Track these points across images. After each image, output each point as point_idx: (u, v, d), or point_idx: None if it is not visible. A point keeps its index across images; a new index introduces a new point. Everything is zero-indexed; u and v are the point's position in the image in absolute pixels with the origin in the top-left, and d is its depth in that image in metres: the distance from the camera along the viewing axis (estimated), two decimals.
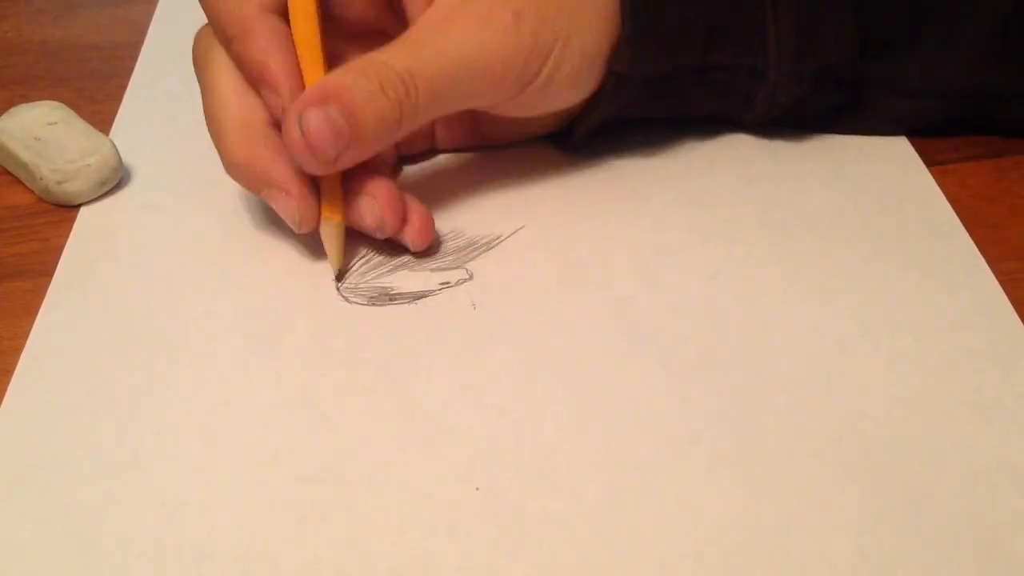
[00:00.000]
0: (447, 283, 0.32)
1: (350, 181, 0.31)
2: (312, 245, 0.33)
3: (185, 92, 0.41)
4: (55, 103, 0.38)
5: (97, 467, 0.27)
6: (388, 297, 0.31)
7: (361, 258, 0.33)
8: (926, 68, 0.35)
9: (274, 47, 0.30)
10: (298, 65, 0.30)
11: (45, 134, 0.36)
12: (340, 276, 0.32)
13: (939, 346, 0.29)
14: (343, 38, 0.33)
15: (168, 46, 0.44)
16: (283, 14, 0.31)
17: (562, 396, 0.28)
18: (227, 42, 0.31)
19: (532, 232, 0.34)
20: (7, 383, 0.29)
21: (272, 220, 0.35)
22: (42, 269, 0.33)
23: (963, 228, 0.34)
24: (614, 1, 0.32)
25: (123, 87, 0.42)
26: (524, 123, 0.35)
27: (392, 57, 0.30)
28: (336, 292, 0.32)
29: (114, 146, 0.36)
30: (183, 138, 0.39)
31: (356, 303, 0.31)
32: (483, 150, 0.37)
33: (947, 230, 0.33)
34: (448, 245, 0.33)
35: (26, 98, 0.42)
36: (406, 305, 0.31)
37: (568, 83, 0.32)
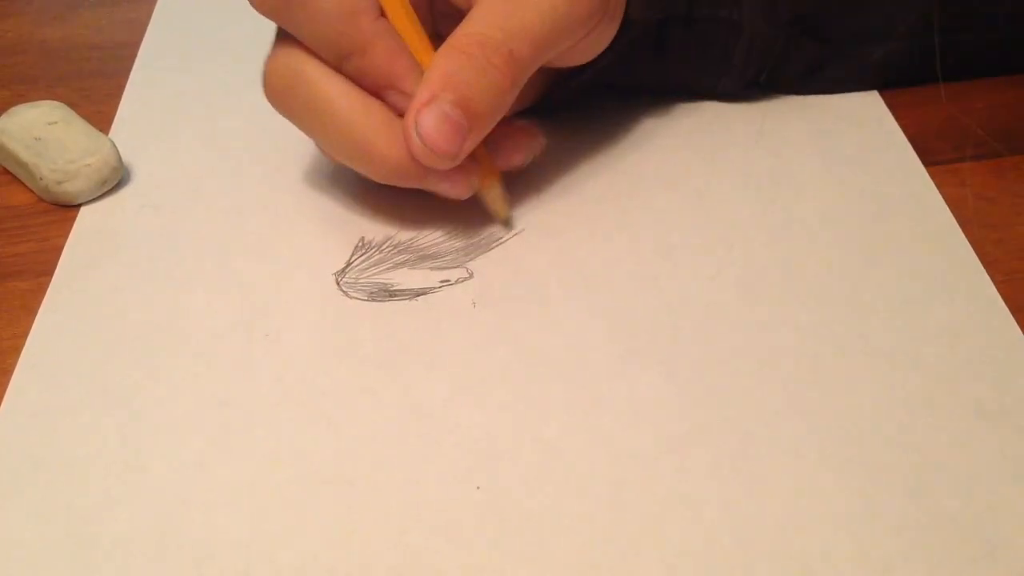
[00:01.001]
0: (447, 281, 0.32)
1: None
2: (311, 242, 0.33)
3: (184, 91, 0.42)
4: (55, 103, 0.38)
5: (97, 467, 0.27)
6: (388, 293, 0.31)
7: (361, 254, 0.33)
8: (890, 11, 0.36)
9: (396, 53, 0.30)
10: (419, 66, 0.31)
11: (45, 134, 0.36)
12: (508, 223, 0.33)
13: (937, 348, 0.29)
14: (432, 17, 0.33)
15: (167, 45, 0.44)
16: (382, 14, 0.31)
17: (562, 395, 0.28)
18: (343, 59, 0.30)
19: (533, 232, 0.34)
20: (7, 383, 0.29)
21: (270, 218, 0.35)
22: (42, 269, 0.33)
23: (960, 230, 0.34)
24: None
25: (123, 87, 0.42)
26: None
27: (485, 24, 0.30)
28: (336, 288, 0.32)
29: (114, 146, 0.36)
30: (183, 137, 0.39)
31: (356, 299, 0.31)
32: None
33: (944, 232, 0.33)
34: (448, 244, 0.33)
35: (26, 98, 0.42)
36: (406, 302, 0.31)
37: (616, 21, 0.33)
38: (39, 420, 0.28)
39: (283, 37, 0.32)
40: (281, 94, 0.32)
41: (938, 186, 0.36)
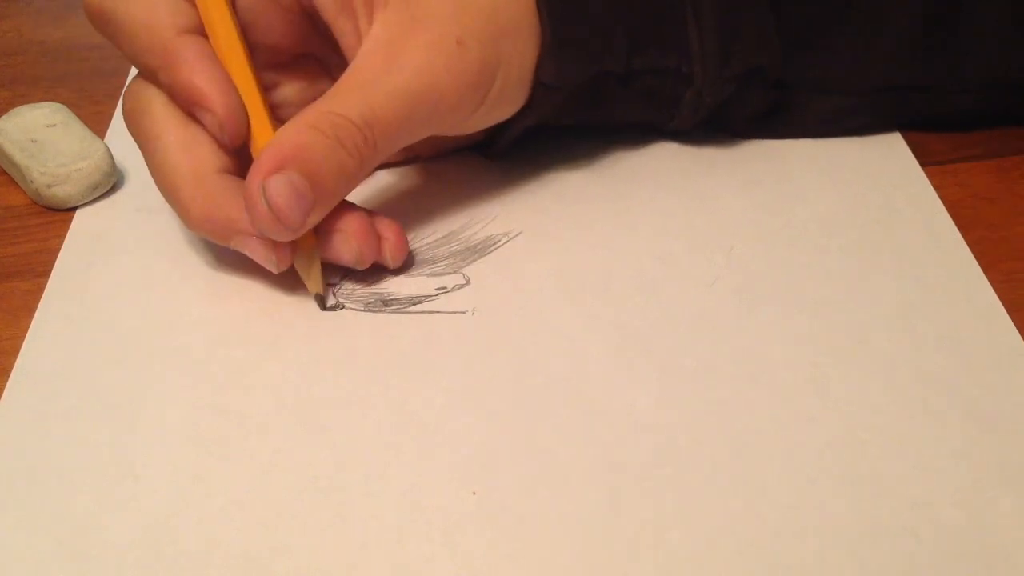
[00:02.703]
0: (444, 288, 0.32)
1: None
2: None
3: None
4: (58, 105, 0.38)
5: (90, 475, 0.26)
6: (384, 303, 0.31)
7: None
8: (849, 65, 0.36)
9: (201, 67, 0.29)
10: (230, 80, 0.30)
11: (42, 136, 0.36)
12: (323, 301, 0.31)
13: (935, 354, 0.29)
14: (273, 69, 0.32)
15: None
16: (203, 33, 0.30)
17: (559, 402, 0.28)
18: (153, 74, 0.30)
19: (529, 237, 0.34)
20: (6, 383, 0.29)
21: None
22: (41, 269, 0.33)
23: (958, 233, 0.33)
24: (535, 13, 0.31)
25: (123, 86, 0.42)
26: (452, 139, 0.35)
27: (343, 106, 0.29)
28: (332, 297, 0.32)
29: (108, 151, 0.36)
30: None
31: (352, 309, 0.31)
32: (421, 162, 0.37)
33: (943, 236, 0.33)
34: (444, 250, 0.33)
35: (26, 98, 0.43)
36: (402, 311, 0.31)
37: (509, 100, 0.32)
38: (33, 427, 0.28)
39: None
40: (127, 118, 0.32)
41: (938, 187, 0.36)
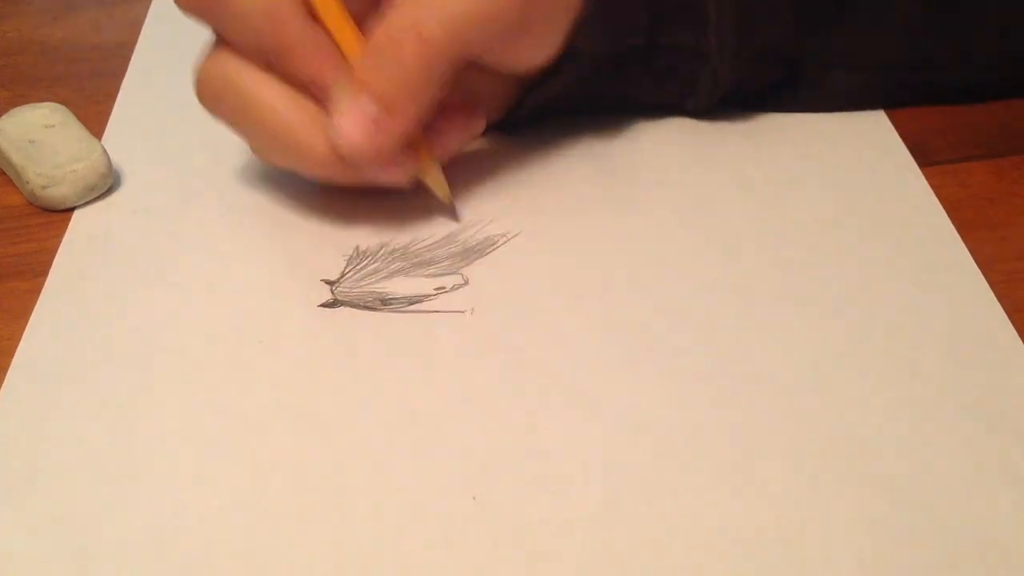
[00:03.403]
0: (443, 288, 0.32)
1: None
2: (306, 248, 0.33)
3: (177, 95, 0.41)
4: (57, 105, 0.38)
5: (90, 475, 0.26)
6: (382, 302, 0.31)
7: (356, 264, 0.33)
8: (863, 41, 0.36)
9: (320, 52, 0.30)
10: (344, 61, 0.31)
11: (40, 137, 0.36)
12: (455, 213, 0.34)
13: (935, 353, 0.29)
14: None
15: (160, 48, 0.44)
16: (308, 13, 0.31)
17: (559, 403, 0.28)
18: (269, 59, 0.31)
19: (528, 238, 0.33)
20: (3, 382, 0.29)
21: (265, 224, 0.35)
22: (40, 269, 0.33)
23: (956, 234, 0.33)
24: None
25: (121, 87, 0.42)
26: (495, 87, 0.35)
27: (399, 15, 0.30)
28: (331, 297, 0.32)
29: (105, 153, 0.36)
30: (175, 141, 0.39)
31: (351, 308, 0.31)
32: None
33: (942, 236, 0.33)
34: (443, 251, 0.33)
35: (26, 98, 0.43)
36: (401, 310, 0.31)
37: (552, 39, 0.33)
38: (30, 427, 0.28)
39: (216, 41, 0.32)
40: (212, 98, 0.32)
41: (938, 187, 0.35)
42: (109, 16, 0.48)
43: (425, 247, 0.33)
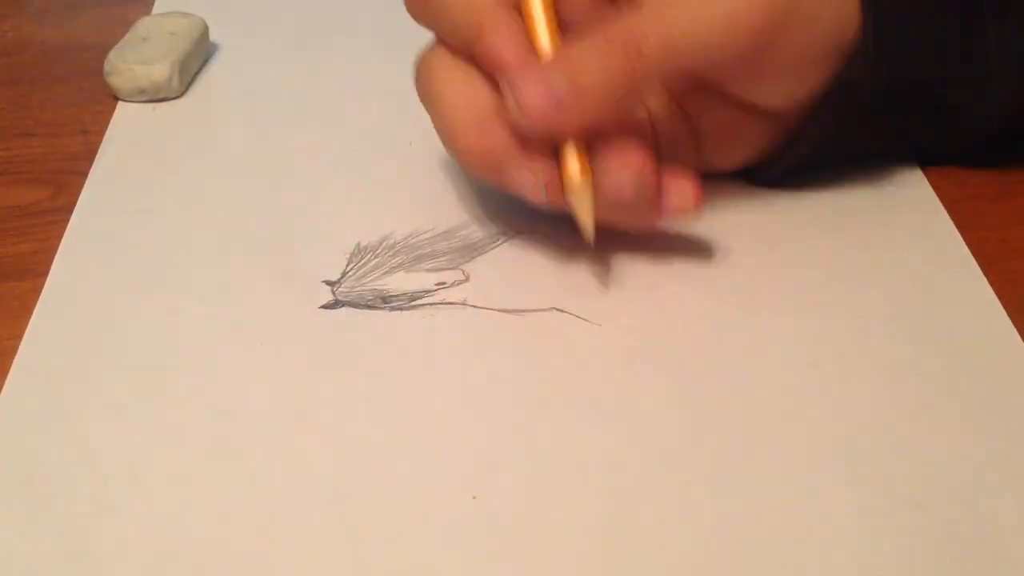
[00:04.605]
0: (443, 283, 0.32)
1: (599, 151, 0.30)
2: (307, 248, 0.33)
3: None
4: (199, 22, 0.43)
5: (90, 475, 0.26)
6: (383, 300, 0.31)
7: (357, 261, 0.33)
8: None
9: (514, 41, 0.30)
10: (532, 56, 0.30)
11: (156, 37, 0.42)
12: (592, 242, 0.31)
13: (935, 354, 0.29)
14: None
15: None
16: (517, 7, 0.31)
17: (560, 402, 0.28)
18: (471, 47, 0.31)
19: (528, 236, 0.34)
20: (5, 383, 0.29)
21: (267, 224, 0.35)
22: (41, 269, 0.33)
23: (957, 233, 0.33)
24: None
25: None
26: (724, 151, 0.34)
27: (634, 22, 0.29)
28: (332, 297, 0.32)
29: (172, 70, 0.41)
30: (176, 141, 0.39)
31: (352, 307, 0.31)
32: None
33: (943, 236, 0.33)
34: (444, 245, 0.33)
35: (26, 97, 0.43)
36: (402, 308, 0.31)
37: (797, 66, 0.31)
38: (31, 428, 0.28)
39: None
40: (417, 85, 0.33)
41: (938, 187, 0.35)
42: (109, 16, 0.48)
43: (426, 240, 0.33)
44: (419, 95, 0.32)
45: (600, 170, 0.30)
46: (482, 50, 0.30)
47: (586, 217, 0.30)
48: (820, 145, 0.33)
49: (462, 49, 0.31)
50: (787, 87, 0.32)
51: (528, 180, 0.30)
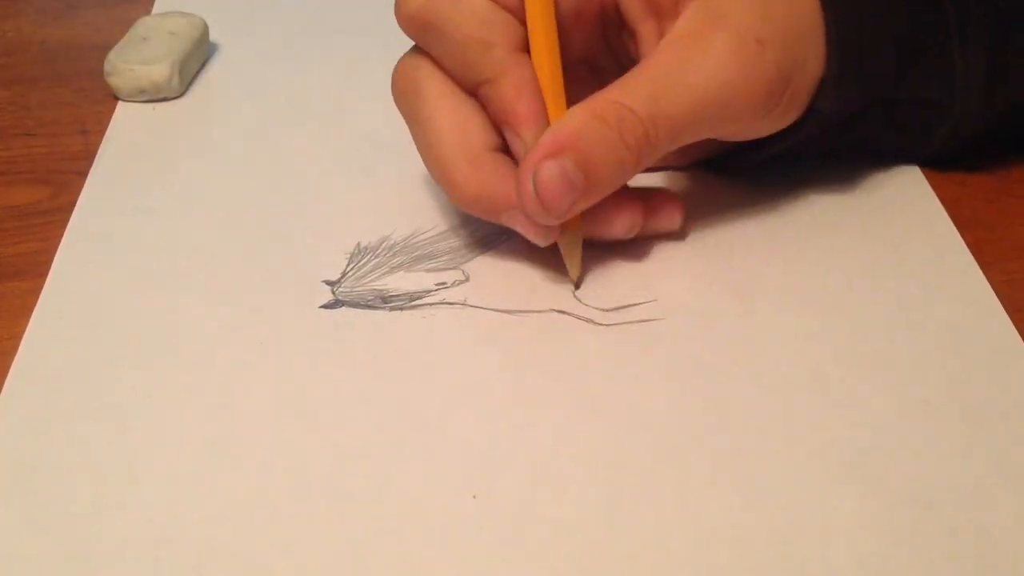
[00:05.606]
0: (443, 284, 0.32)
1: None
2: (307, 247, 0.33)
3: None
4: (199, 22, 0.43)
5: (90, 475, 0.26)
6: (383, 300, 0.31)
7: (357, 261, 0.33)
8: None
9: (525, 91, 0.30)
10: (545, 110, 0.30)
11: (155, 37, 0.42)
12: (578, 284, 0.31)
13: (935, 354, 0.29)
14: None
15: None
16: (525, 49, 0.31)
17: (560, 403, 0.28)
18: (477, 84, 0.30)
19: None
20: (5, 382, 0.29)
21: (267, 224, 0.35)
22: (41, 269, 0.33)
23: (957, 233, 0.33)
24: (821, 29, 0.30)
25: None
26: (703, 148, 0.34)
27: (631, 97, 0.29)
28: (332, 296, 0.32)
29: (172, 70, 0.41)
30: (176, 141, 0.39)
31: (352, 307, 0.31)
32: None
33: (942, 236, 0.33)
34: (444, 245, 0.33)
35: (26, 97, 0.43)
36: (402, 308, 0.31)
37: (795, 109, 0.31)
38: (31, 428, 0.28)
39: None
40: (398, 96, 0.32)
41: (938, 187, 0.35)
42: (109, 16, 0.48)
43: (426, 240, 0.33)
44: (399, 107, 0.32)
45: (592, 217, 0.31)
46: (495, 96, 0.30)
47: (573, 265, 0.31)
48: (780, 153, 0.33)
49: (459, 77, 0.31)
50: (773, 126, 0.32)
51: (527, 228, 0.30)
